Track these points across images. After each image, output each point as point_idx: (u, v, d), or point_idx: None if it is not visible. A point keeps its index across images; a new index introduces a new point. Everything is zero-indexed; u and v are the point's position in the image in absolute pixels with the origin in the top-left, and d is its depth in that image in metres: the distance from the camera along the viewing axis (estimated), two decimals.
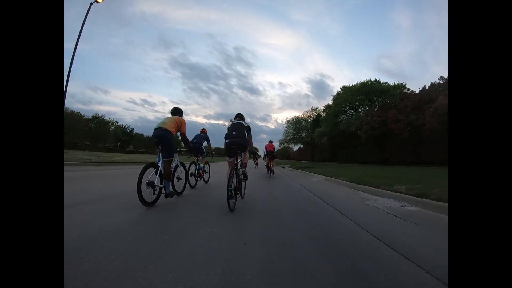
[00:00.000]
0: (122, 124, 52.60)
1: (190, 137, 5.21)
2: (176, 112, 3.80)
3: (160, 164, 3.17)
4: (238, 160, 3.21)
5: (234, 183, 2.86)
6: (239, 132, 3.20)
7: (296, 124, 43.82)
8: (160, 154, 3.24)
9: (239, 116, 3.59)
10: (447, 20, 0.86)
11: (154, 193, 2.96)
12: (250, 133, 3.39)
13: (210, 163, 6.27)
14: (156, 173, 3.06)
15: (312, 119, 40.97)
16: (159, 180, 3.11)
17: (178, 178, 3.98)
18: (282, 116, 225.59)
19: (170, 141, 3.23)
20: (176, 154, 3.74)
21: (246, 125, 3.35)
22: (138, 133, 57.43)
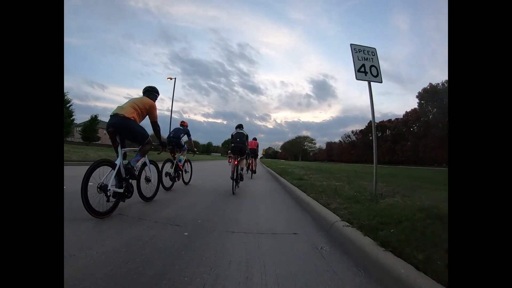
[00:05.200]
0: None
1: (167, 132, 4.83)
2: (149, 92, 2.96)
3: (118, 162, 2.43)
4: (239, 159, 4.55)
5: (234, 175, 4.22)
6: (241, 139, 4.60)
7: None
8: (120, 149, 2.50)
9: (240, 127, 4.87)
10: (447, 22, 0.87)
11: (108, 200, 2.26)
12: (248, 139, 4.87)
13: (192, 162, 5.52)
14: (112, 174, 2.32)
15: None
16: (115, 183, 2.38)
17: (148, 180, 3.14)
18: (281, 116, 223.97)
19: (133, 128, 2.55)
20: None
21: (245, 134, 4.76)
22: None
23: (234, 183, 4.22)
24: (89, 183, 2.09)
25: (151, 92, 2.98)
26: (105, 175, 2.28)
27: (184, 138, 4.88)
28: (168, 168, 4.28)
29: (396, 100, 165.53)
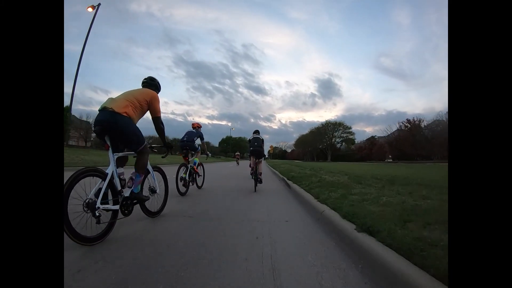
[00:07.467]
0: None
1: (181, 135, 4.76)
2: (149, 84, 2.47)
3: (110, 171, 1.89)
4: (257, 161, 5.09)
5: (254, 176, 4.86)
6: (258, 143, 5.19)
7: None
8: (112, 154, 1.99)
9: (257, 132, 5.47)
10: (447, 18, 0.86)
11: (98, 222, 1.73)
12: (264, 143, 5.43)
13: (204, 165, 5.46)
14: (102, 187, 1.80)
15: None
16: (104, 199, 1.81)
17: (153, 191, 2.58)
18: (286, 117, 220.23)
19: (124, 127, 1.97)
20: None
21: (262, 138, 5.34)
22: None
23: (254, 182, 4.88)
24: (75, 196, 1.63)
25: (152, 84, 2.49)
26: (94, 189, 1.78)
27: (198, 141, 4.71)
28: (182, 173, 4.17)
29: (400, 97, 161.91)
